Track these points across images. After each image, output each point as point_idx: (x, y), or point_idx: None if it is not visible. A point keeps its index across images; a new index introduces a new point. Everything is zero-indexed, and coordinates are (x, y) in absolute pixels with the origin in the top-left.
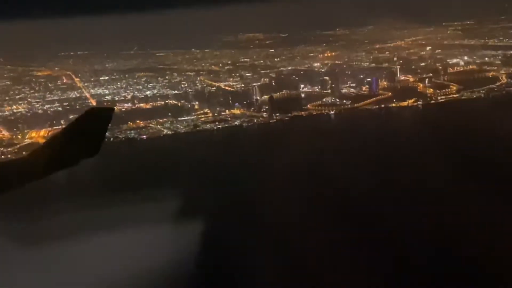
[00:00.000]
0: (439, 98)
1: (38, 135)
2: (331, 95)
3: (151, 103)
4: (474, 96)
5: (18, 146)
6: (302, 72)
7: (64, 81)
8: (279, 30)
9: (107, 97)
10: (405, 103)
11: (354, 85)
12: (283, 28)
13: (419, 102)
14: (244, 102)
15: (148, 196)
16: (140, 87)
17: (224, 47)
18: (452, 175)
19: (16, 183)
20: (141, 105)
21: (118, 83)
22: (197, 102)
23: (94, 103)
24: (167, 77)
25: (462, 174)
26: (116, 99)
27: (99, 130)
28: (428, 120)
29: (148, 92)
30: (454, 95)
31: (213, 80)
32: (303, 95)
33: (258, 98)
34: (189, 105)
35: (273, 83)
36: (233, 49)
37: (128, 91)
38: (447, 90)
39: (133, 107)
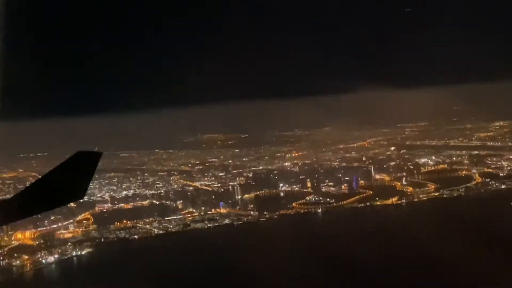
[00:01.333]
0: (420, 196)
1: (25, 237)
2: (314, 194)
3: (132, 203)
4: (455, 195)
5: (7, 248)
6: (276, 171)
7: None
8: (237, 131)
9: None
10: (389, 201)
11: (332, 184)
12: (241, 130)
13: (402, 200)
14: (229, 201)
15: None
16: (114, 187)
17: (186, 148)
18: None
19: (2, 222)
20: (122, 205)
21: (91, 184)
22: (180, 202)
23: (72, 204)
24: (139, 177)
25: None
26: (93, 199)
27: (85, 174)
28: (415, 217)
29: (124, 193)
30: (435, 194)
31: (187, 180)
32: (282, 194)
33: (241, 197)
34: (174, 205)
35: (253, 183)
36: (198, 150)
37: (103, 192)
38: (425, 188)
39: (114, 207)
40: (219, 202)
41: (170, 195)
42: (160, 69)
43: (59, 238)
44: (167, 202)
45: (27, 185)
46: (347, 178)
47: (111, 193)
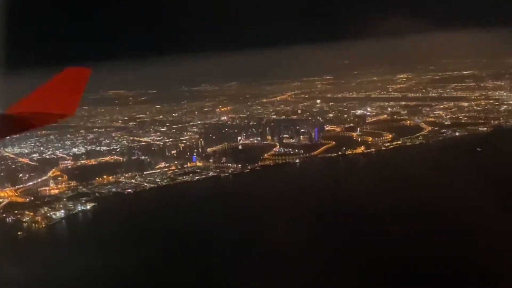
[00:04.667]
0: (386, 145)
1: (8, 194)
2: (280, 146)
3: (93, 160)
4: (417, 143)
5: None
6: (219, 126)
7: None
8: (140, 87)
9: (33, 155)
10: (359, 151)
11: (286, 136)
12: (143, 86)
13: (372, 150)
14: (203, 155)
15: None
16: (58, 144)
17: (99, 104)
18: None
19: None
20: (84, 162)
21: (30, 142)
22: (147, 157)
23: (26, 161)
24: (77, 134)
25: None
26: (46, 157)
27: (76, 90)
28: (400, 163)
29: (74, 150)
30: (397, 142)
31: (132, 136)
32: (240, 147)
33: (209, 150)
34: (149, 160)
35: (213, 136)
36: (114, 106)
37: (51, 150)
38: (383, 138)
39: (78, 164)
40: (191, 156)
41: (134, 151)
42: (54, 25)
43: (47, 195)
44: (136, 158)
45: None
46: (303, 130)
47: (61, 150)
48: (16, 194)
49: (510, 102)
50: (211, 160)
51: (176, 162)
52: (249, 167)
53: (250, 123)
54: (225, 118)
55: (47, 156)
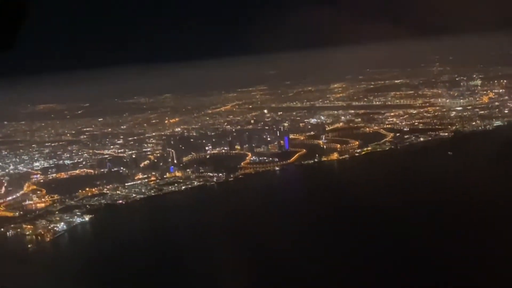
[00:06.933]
0: (357, 151)
1: None
2: (252, 155)
3: (63, 173)
4: (387, 148)
5: None
6: (179, 137)
7: None
8: (69, 101)
9: None
10: (333, 157)
11: (254, 145)
12: (68, 99)
13: (345, 156)
14: (181, 165)
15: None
16: (16, 159)
17: (33, 118)
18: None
19: None
20: (54, 175)
21: None
22: (123, 169)
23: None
24: (30, 149)
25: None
26: (11, 172)
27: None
28: (370, 168)
29: (36, 164)
30: (367, 148)
31: (90, 149)
32: (208, 157)
33: (185, 159)
34: (126, 171)
35: (183, 147)
36: (53, 120)
37: (11, 165)
38: (350, 145)
39: (49, 178)
40: (166, 167)
41: (107, 163)
42: None
43: (35, 209)
44: (112, 170)
45: None
46: (269, 139)
47: (22, 165)
48: (1, 208)
49: (457, 108)
50: (188, 170)
51: (154, 173)
52: (232, 176)
53: (209, 134)
54: (179, 129)
55: (11, 171)
